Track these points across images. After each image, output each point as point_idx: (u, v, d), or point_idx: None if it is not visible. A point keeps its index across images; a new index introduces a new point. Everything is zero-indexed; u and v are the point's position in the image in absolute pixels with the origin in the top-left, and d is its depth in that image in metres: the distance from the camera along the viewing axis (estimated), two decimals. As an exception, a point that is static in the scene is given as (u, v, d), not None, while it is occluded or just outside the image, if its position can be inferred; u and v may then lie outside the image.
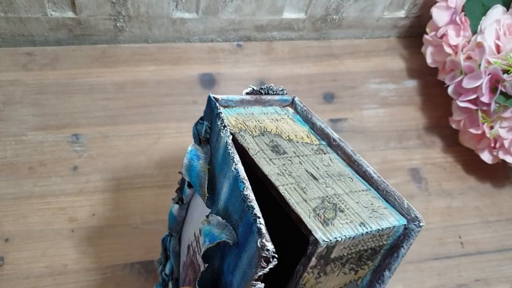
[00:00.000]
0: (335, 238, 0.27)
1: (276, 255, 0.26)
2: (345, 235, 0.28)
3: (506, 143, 0.57)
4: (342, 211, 0.29)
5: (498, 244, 0.59)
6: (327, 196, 0.30)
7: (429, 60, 0.64)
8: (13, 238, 0.49)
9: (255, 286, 0.28)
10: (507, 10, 0.58)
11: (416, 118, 0.66)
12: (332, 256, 0.28)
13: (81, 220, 0.51)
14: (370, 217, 0.30)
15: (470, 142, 0.61)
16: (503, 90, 0.54)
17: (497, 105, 0.55)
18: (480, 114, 0.57)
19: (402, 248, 0.31)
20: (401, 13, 0.69)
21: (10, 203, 0.51)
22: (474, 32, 0.59)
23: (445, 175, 0.62)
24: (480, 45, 0.56)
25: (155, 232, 0.51)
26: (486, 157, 0.60)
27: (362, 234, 0.28)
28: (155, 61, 0.62)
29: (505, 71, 0.54)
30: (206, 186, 0.33)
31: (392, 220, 0.30)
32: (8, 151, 0.53)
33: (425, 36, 0.64)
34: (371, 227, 0.29)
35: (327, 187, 0.31)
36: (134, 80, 0.60)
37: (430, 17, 0.63)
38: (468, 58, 0.58)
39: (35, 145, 0.54)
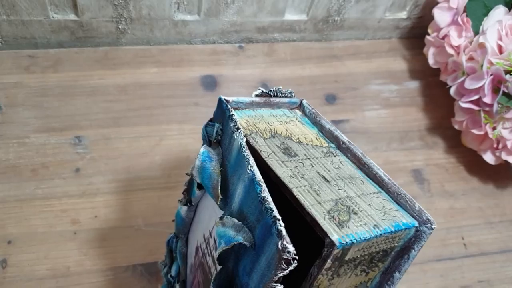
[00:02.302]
0: (351, 240, 0.27)
1: (297, 257, 0.26)
2: (360, 237, 0.28)
3: (509, 144, 0.57)
4: (355, 213, 0.30)
5: (502, 245, 0.59)
6: (340, 199, 0.31)
7: (431, 61, 0.64)
8: (16, 241, 0.49)
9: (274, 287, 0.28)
10: (509, 10, 0.58)
11: (418, 119, 0.66)
12: (346, 258, 0.29)
13: (84, 222, 0.51)
14: (383, 219, 0.30)
15: (472, 143, 0.61)
16: (506, 90, 0.54)
17: (499, 105, 0.55)
18: (482, 115, 0.57)
19: (413, 250, 0.31)
20: (403, 14, 0.69)
21: (12, 205, 0.51)
22: (476, 32, 0.59)
23: (447, 176, 0.62)
24: (482, 46, 0.56)
25: (157, 234, 0.51)
26: (488, 158, 0.60)
27: (376, 236, 0.29)
28: (157, 63, 0.63)
29: (508, 72, 0.54)
30: (219, 188, 0.33)
31: (404, 222, 0.30)
32: (11, 153, 0.53)
33: (427, 37, 0.64)
34: (384, 229, 0.29)
35: (339, 189, 0.31)
36: (136, 82, 0.60)
37: (432, 18, 0.62)
38: (470, 59, 0.58)
39: (37, 147, 0.54)
